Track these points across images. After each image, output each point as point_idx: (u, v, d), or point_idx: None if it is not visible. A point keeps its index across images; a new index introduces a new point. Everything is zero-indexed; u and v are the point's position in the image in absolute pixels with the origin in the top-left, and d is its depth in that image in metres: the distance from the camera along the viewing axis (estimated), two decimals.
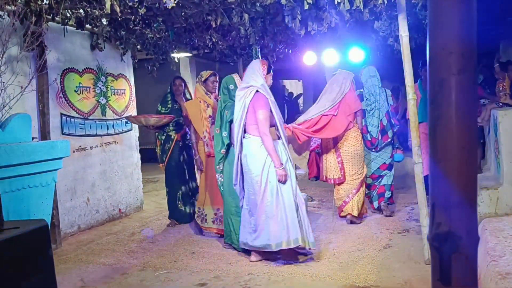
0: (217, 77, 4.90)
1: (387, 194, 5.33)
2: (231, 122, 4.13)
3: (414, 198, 4.07)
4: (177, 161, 5.34)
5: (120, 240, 4.90)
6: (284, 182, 3.77)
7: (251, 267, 3.82)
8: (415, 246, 4.01)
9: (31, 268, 2.24)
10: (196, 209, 4.91)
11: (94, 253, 4.48)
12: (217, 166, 4.29)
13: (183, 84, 5.47)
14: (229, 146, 4.21)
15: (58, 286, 2.49)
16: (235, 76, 4.38)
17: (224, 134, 4.20)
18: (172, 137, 5.31)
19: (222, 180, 4.31)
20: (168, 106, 5.37)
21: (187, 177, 5.41)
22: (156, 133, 5.38)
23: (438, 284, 0.94)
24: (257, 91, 3.82)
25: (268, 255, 3.92)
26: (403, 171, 7.78)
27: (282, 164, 3.77)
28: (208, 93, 4.86)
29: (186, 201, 5.38)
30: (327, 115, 4.87)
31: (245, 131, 3.90)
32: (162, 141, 5.35)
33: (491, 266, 2.23)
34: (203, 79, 4.89)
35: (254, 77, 3.89)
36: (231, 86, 4.26)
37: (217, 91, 4.86)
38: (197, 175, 5.26)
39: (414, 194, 3.87)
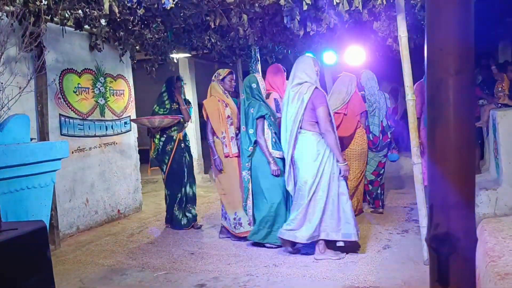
0: (234, 75, 4.86)
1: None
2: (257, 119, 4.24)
3: (413, 198, 4.06)
4: (179, 163, 5.18)
5: (119, 241, 4.89)
6: (345, 178, 3.87)
7: (250, 268, 3.82)
8: (414, 247, 4.00)
9: (30, 270, 2.23)
10: (231, 215, 4.59)
11: (93, 254, 4.48)
12: (246, 164, 4.35)
13: (183, 84, 5.39)
14: (256, 143, 4.29)
15: (56, 287, 2.48)
16: (258, 76, 4.53)
17: (251, 131, 4.28)
18: (174, 137, 5.17)
19: (249, 177, 4.35)
20: (166, 106, 5.21)
21: (185, 180, 5.22)
22: (152, 135, 5.23)
23: (436, 285, 0.94)
24: (315, 87, 3.85)
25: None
26: (402, 172, 7.79)
27: (345, 160, 3.90)
28: (225, 92, 4.74)
29: (180, 206, 5.19)
30: (339, 113, 4.99)
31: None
32: (162, 143, 5.16)
33: (490, 267, 2.23)
34: (220, 77, 4.75)
35: (308, 73, 3.91)
36: (254, 85, 4.37)
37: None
38: (213, 177, 5.03)
39: (413, 194, 3.87)
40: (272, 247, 4.24)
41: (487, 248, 2.56)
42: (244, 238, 4.49)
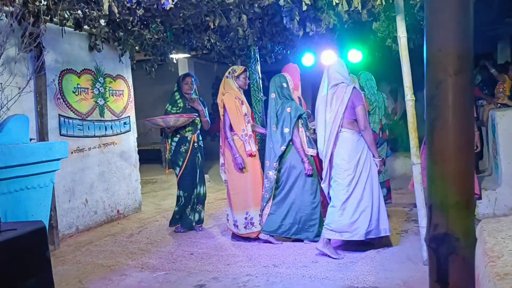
0: (248, 73, 4.86)
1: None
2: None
3: (413, 199, 4.07)
4: (194, 164, 5.06)
5: (119, 241, 4.89)
6: (379, 173, 4.04)
7: (249, 268, 3.82)
8: (413, 247, 4.01)
9: (29, 270, 2.23)
10: (241, 216, 4.53)
11: (92, 254, 4.48)
12: (274, 163, 4.36)
13: (193, 82, 5.17)
14: (289, 142, 4.34)
15: None
16: (287, 75, 4.56)
17: (286, 130, 4.30)
18: (189, 138, 5.02)
19: (275, 177, 4.38)
20: (179, 105, 5.03)
21: (197, 180, 5.12)
22: (166, 135, 5.06)
23: (435, 286, 0.95)
24: (354, 87, 3.99)
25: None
26: (401, 172, 7.80)
27: (380, 155, 4.08)
28: (240, 89, 4.69)
29: (193, 207, 5.12)
30: None
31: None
32: (175, 143, 5.01)
33: (489, 267, 2.23)
34: (236, 74, 4.68)
35: (343, 74, 4.07)
36: (285, 84, 4.44)
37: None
38: (224, 176, 4.77)
39: (412, 195, 3.87)
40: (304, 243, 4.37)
41: (486, 249, 2.56)
42: (252, 239, 4.51)
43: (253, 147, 4.53)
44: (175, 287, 3.54)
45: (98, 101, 5.70)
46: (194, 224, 5.12)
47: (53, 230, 4.66)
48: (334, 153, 3.99)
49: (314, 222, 4.34)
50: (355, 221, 3.90)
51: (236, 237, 4.65)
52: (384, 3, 3.95)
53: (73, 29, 4.82)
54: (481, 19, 5.98)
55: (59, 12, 4.25)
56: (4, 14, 3.97)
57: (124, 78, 6.25)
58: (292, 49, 6.92)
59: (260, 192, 4.52)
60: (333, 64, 4.18)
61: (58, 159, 3.78)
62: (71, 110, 5.27)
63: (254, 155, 4.57)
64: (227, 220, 4.69)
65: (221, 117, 4.64)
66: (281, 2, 3.92)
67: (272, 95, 4.48)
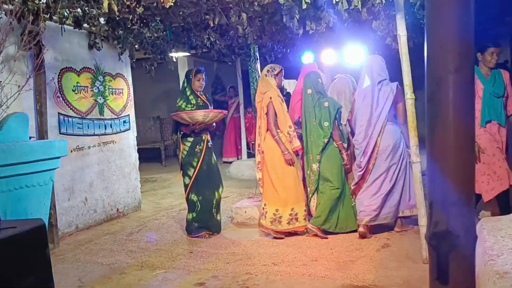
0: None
1: None
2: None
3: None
4: (209, 164, 4.78)
5: (118, 240, 4.89)
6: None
7: (249, 266, 3.82)
8: (413, 246, 4.01)
9: (28, 268, 2.23)
10: (286, 212, 4.50)
11: (92, 253, 4.48)
12: (317, 156, 4.54)
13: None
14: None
15: (55, 286, 2.48)
16: (320, 72, 4.82)
17: (326, 124, 4.51)
18: (203, 137, 4.75)
19: (318, 169, 4.54)
20: (192, 102, 4.76)
21: (217, 181, 4.87)
22: (180, 135, 4.74)
23: (436, 283, 0.94)
24: (397, 84, 4.32)
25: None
26: None
27: None
28: (277, 88, 4.72)
29: (218, 209, 4.87)
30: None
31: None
32: (190, 144, 4.72)
33: (489, 265, 2.23)
34: (275, 72, 4.67)
35: (386, 71, 4.46)
36: (320, 80, 4.67)
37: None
38: (259, 175, 4.73)
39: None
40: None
41: (486, 247, 2.56)
42: (290, 234, 4.57)
43: (298, 143, 4.59)
44: (174, 286, 3.54)
45: (97, 100, 5.69)
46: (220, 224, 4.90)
47: (53, 228, 4.66)
48: (381, 144, 4.34)
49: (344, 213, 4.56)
50: (394, 204, 4.38)
51: (273, 234, 4.58)
52: (384, 1, 3.95)
53: (72, 27, 4.82)
54: (481, 17, 5.97)
55: (58, 10, 4.25)
56: (3, 12, 3.96)
57: (124, 76, 6.24)
58: (292, 47, 6.91)
59: (303, 187, 4.67)
60: (374, 61, 4.51)
61: (58, 157, 3.78)
62: (70, 109, 5.27)
63: (298, 151, 4.67)
64: (264, 217, 4.61)
65: (263, 115, 4.60)
66: (281, 1, 3.92)
67: (309, 91, 4.65)
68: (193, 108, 4.70)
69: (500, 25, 6.80)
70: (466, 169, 0.92)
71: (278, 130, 4.54)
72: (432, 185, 0.96)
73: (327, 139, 4.51)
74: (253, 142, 5.24)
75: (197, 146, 4.72)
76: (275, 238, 4.54)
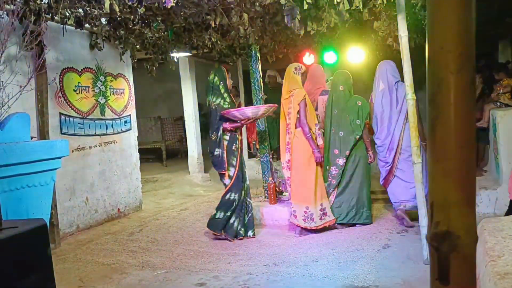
0: None
1: None
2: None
3: None
4: (241, 164, 4.69)
5: (119, 240, 4.90)
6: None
7: (250, 267, 3.82)
8: (414, 246, 4.01)
9: (30, 268, 2.23)
10: (317, 208, 4.58)
11: (93, 253, 4.48)
12: (347, 152, 4.74)
13: None
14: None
15: (56, 286, 2.48)
16: (348, 72, 4.99)
17: (358, 122, 4.73)
18: (237, 136, 4.68)
19: (344, 164, 4.74)
20: (228, 100, 4.68)
21: (247, 182, 4.79)
22: (223, 134, 4.64)
23: (436, 283, 0.94)
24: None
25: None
26: None
27: None
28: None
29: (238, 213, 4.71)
30: None
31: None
32: (227, 142, 4.63)
33: (490, 266, 2.23)
34: (302, 71, 4.82)
35: (398, 73, 4.71)
36: (350, 80, 4.93)
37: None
38: (288, 173, 4.77)
39: None
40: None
41: (487, 248, 2.56)
42: (321, 229, 4.67)
43: (321, 141, 4.75)
44: (175, 286, 3.54)
45: (99, 100, 5.70)
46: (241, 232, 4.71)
47: (54, 228, 4.67)
48: (404, 140, 4.56)
49: (366, 207, 4.81)
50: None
51: (305, 232, 4.67)
52: (385, 2, 3.95)
53: (74, 28, 4.83)
54: (482, 18, 5.96)
55: (60, 10, 4.25)
56: (5, 12, 3.97)
57: (125, 76, 6.25)
58: (293, 48, 6.91)
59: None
60: (388, 65, 4.81)
61: (59, 157, 3.78)
62: (72, 109, 5.27)
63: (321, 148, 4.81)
64: (294, 216, 4.65)
65: (294, 113, 4.60)
66: (282, 1, 3.91)
67: (341, 87, 4.85)
68: (229, 106, 4.65)
69: (500, 25, 6.79)
70: (467, 170, 0.92)
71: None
72: (433, 186, 0.95)
73: (358, 137, 4.71)
74: (254, 143, 5.20)
75: (234, 145, 4.66)
76: (308, 233, 4.66)
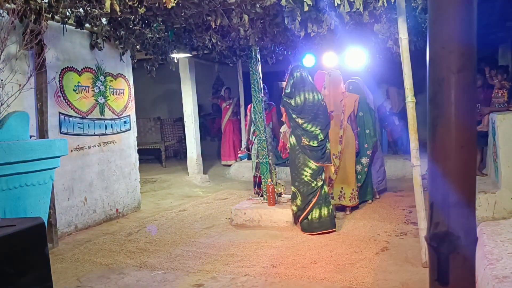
0: None
1: None
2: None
3: (412, 201, 4.06)
4: None
5: (117, 240, 4.88)
6: None
7: (248, 268, 3.81)
8: (412, 249, 4.00)
9: (27, 266, 2.22)
10: (349, 192, 5.39)
11: (91, 252, 4.47)
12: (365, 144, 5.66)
13: None
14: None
15: (54, 285, 2.47)
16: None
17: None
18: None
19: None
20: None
21: None
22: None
23: (436, 284, 0.94)
24: None
25: None
26: (401, 174, 7.79)
27: None
28: None
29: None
30: None
31: None
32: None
33: (489, 270, 2.23)
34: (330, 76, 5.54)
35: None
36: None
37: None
38: (337, 162, 5.41)
39: (412, 197, 3.87)
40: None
41: (486, 251, 2.56)
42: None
43: None
44: (173, 287, 3.53)
45: (98, 100, 5.70)
46: None
47: (52, 228, 4.65)
48: None
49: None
50: None
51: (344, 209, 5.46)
52: (385, 4, 3.94)
53: (74, 27, 4.83)
54: (483, 22, 5.98)
55: (60, 10, 4.25)
56: (5, 11, 3.97)
57: (125, 77, 6.25)
58: (293, 50, 6.91)
59: None
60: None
61: (58, 157, 3.78)
62: (71, 108, 5.27)
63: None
64: (344, 198, 5.45)
65: (349, 112, 5.40)
66: (283, 3, 3.91)
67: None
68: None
69: (501, 30, 6.81)
70: (467, 170, 0.92)
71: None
72: (433, 186, 0.95)
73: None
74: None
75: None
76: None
